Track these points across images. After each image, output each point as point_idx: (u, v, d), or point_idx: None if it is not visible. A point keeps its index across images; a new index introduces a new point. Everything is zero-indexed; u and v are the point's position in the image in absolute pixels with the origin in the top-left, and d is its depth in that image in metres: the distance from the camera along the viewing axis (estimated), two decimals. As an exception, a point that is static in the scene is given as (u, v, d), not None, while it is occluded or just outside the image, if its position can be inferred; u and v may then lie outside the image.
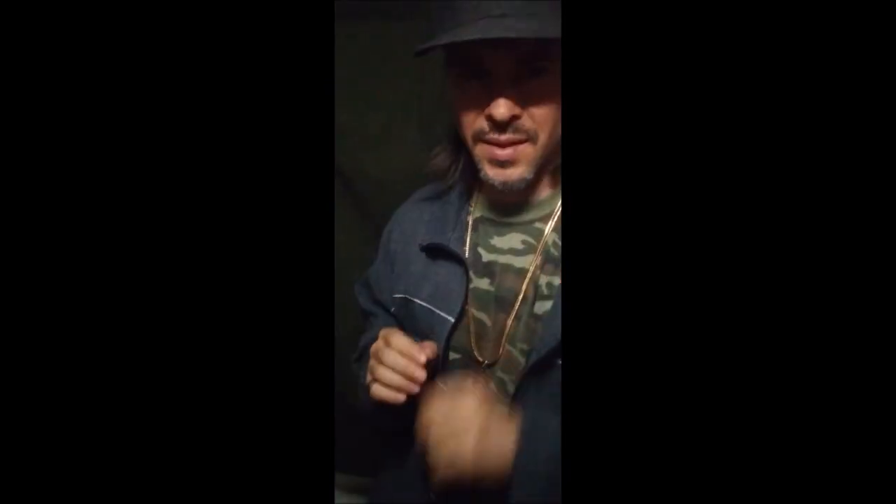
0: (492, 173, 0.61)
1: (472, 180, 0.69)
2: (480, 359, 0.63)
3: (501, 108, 0.56)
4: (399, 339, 0.61)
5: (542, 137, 0.59)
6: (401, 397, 0.59)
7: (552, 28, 0.53)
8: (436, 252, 0.67)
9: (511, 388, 0.62)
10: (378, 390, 0.61)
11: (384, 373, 0.60)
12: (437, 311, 0.65)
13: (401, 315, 0.74)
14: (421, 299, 0.67)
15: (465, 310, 0.65)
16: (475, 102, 0.58)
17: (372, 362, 0.62)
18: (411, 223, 0.76)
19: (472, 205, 0.69)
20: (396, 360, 0.59)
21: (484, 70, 0.57)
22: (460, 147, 0.66)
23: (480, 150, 0.61)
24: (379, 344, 0.62)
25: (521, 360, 0.61)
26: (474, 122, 0.59)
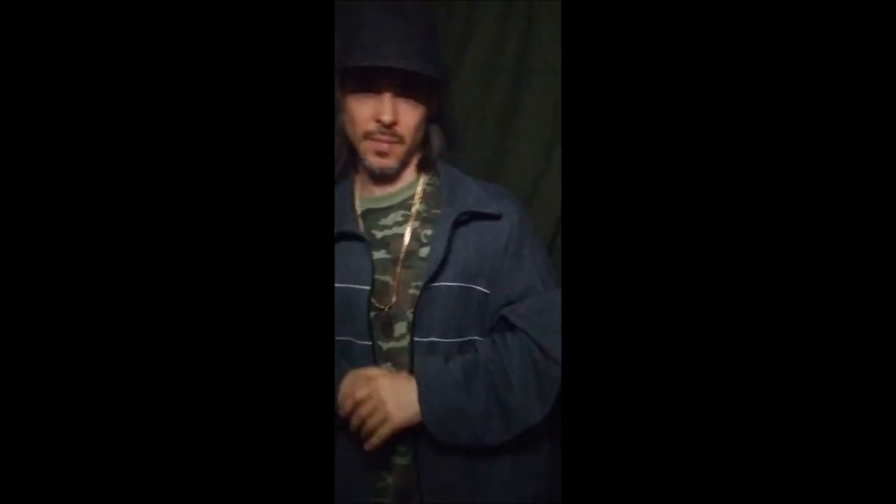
0: (373, 161, 0.89)
1: (352, 184, 0.96)
2: (380, 306, 0.87)
3: (388, 115, 0.85)
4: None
5: (408, 141, 0.89)
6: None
7: (428, 68, 0.84)
8: (341, 239, 0.90)
9: (405, 319, 0.87)
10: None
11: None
12: (354, 286, 0.87)
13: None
14: (339, 282, 0.88)
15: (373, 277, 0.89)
16: (368, 110, 0.87)
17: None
18: None
19: (356, 203, 0.94)
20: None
21: (376, 89, 0.86)
22: (344, 144, 0.94)
23: (367, 145, 0.89)
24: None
25: (416, 294, 0.85)
26: (366, 125, 0.87)
